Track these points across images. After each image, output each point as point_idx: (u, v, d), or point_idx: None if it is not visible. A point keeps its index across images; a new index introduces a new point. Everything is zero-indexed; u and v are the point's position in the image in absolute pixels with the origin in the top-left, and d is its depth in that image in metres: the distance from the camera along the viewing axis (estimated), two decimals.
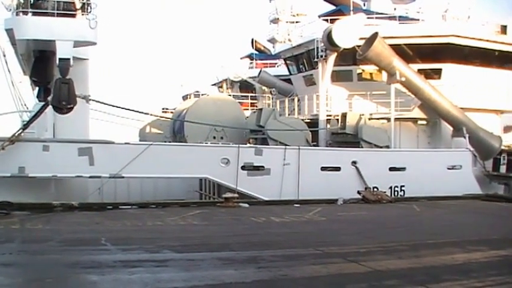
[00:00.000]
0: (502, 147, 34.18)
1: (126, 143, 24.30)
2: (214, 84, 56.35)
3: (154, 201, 23.54)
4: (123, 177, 23.26)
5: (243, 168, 25.22)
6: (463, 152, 31.29)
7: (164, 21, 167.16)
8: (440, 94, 31.86)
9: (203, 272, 10.38)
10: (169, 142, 32.49)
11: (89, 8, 22.42)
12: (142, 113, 29.03)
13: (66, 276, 10.07)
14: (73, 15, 22.07)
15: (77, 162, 22.23)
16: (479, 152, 32.47)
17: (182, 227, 16.95)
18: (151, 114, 32.04)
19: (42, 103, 23.07)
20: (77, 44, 21.96)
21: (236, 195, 23.78)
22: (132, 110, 26.86)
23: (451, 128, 33.23)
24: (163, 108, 48.05)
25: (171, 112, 42.06)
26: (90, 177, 22.85)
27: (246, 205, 23.26)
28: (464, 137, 31.91)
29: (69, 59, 21.47)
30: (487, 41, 34.55)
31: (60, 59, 21.38)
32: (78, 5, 22.23)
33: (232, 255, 12.33)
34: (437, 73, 33.72)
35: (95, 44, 22.77)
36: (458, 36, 33.05)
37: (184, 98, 51.17)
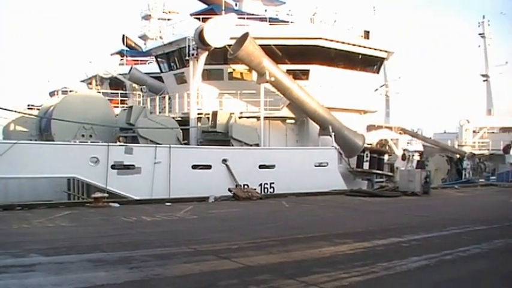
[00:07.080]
0: (365, 145, 36.13)
1: None
2: (83, 81, 54.89)
3: (19, 203, 22.46)
4: None
5: (112, 167, 24.88)
6: (329, 150, 32.73)
7: (31, 13, 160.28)
8: (308, 94, 33.06)
9: (73, 275, 10.11)
10: (36, 140, 31.27)
11: None
12: (6, 109, 27.66)
13: None
14: None
15: None
16: (344, 149, 34.12)
17: (50, 229, 16.38)
18: (15, 111, 30.68)
19: None
20: None
21: (106, 194, 23.35)
22: None
23: (318, 127, 34.54)
24: (28, 105, 46.03)
25: (38, 109, 40.43)
26: None
27: (117, 205, 22.86)
28: (330, 136, 33.36)
29: None
30: (352, 44, 36.39)
31: None
32: None
33: (103, 256, 12.09)
34: (305, 74, 34.97)
35: None
36: (325, 39, 34.50)
37: (52, 94, 49.47)
